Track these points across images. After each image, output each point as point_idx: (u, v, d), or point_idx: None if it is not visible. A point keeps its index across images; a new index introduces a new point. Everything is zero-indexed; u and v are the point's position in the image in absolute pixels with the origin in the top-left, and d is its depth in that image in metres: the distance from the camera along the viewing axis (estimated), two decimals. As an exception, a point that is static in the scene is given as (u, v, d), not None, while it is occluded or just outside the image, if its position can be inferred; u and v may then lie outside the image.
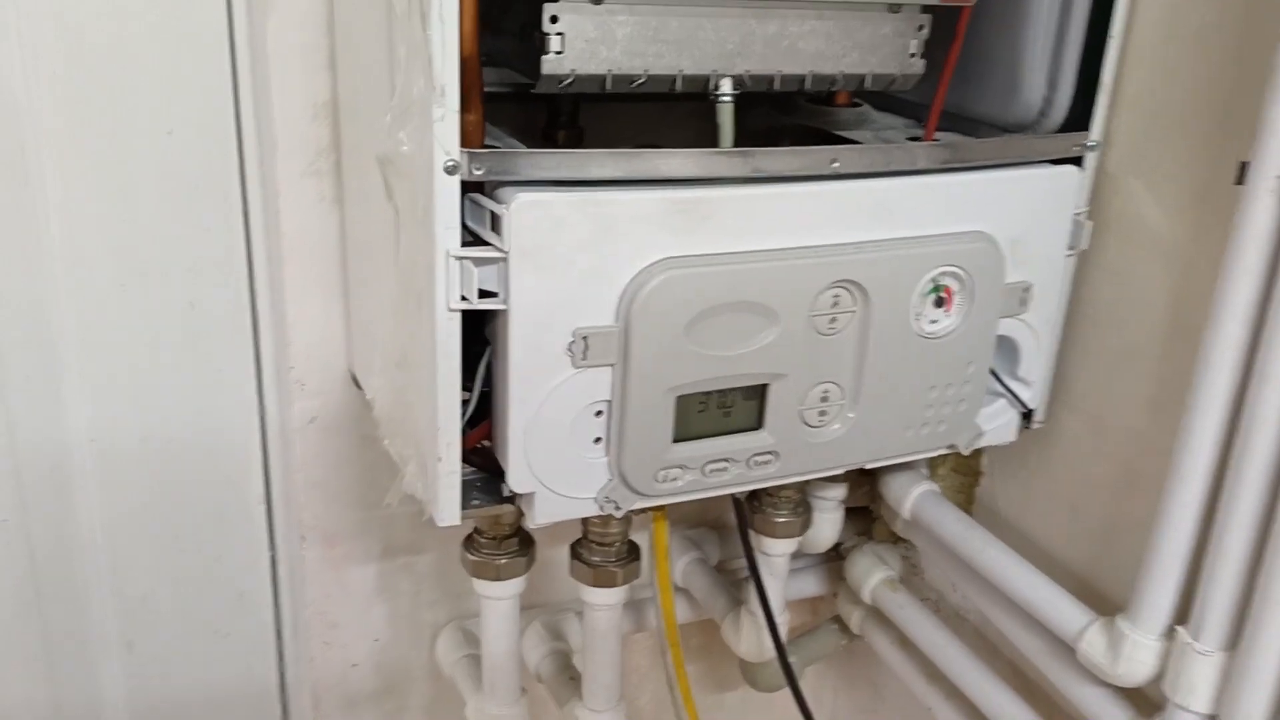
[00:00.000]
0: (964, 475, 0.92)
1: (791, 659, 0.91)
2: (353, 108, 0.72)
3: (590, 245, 0.57)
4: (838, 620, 1.02)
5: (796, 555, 0.99)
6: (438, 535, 0.90)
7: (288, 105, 0.76)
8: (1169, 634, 0.68)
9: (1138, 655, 0.69)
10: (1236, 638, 0.64)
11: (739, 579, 0.97)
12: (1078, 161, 0.71)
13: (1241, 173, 0.60)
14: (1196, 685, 0.66)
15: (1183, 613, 0.67)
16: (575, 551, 0.78)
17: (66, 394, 0.78)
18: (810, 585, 1.02)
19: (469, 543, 0.78)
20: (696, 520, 1.01)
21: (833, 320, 0.64)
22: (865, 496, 1.01)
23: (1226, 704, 0.64)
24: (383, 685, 0.94)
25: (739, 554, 1.01)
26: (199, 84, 0.76)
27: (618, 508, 0.64)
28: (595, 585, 0.78)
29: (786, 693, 1.01)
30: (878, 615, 0.97)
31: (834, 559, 1.02)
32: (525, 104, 0.72)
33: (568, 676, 0.87)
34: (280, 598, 0.91)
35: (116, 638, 0.86)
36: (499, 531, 0.76)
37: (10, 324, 0.75)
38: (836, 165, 0.62)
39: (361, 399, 0.82)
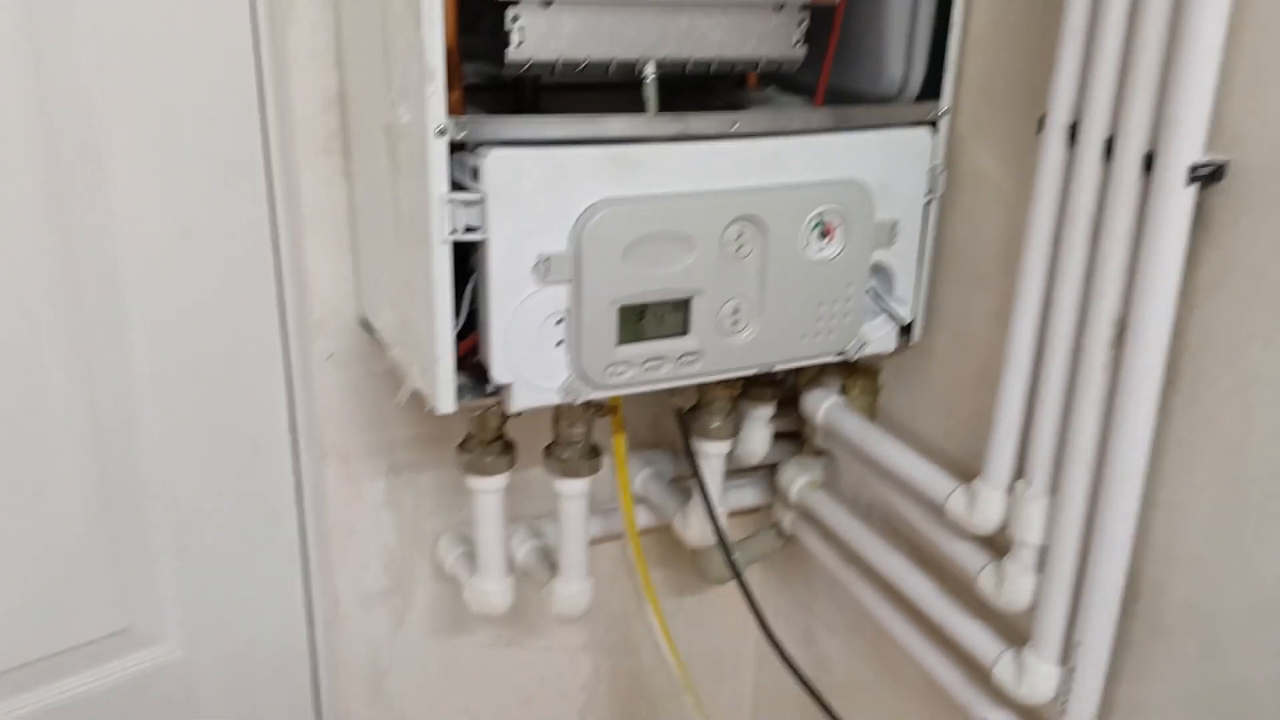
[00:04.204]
0: (870, 395, 1.10)
1: (736, 556, 1.10)
2: (357, 97, 0.91)
3: (547, 189, 0.76)
4: (774, 526, 1.21)
5: (738, 472, 1.19)
6: (434, 456, 1.09)
7: (304, 98, 0.93)
8: (1011, 489, 0.87)
9: (989, 507, 0.87)
10: (1056, 483, 0.83)
11: (687, 488, 1.15)
12: (934, 125, 0.91)
13: (1040, 124, 0.80)
14: (1031, 523, 0.84)
15: (1020, 471, 0.86)
16: (548, 451, 0.97)
17: (131, 336, 0.96)
18: (749, 496, 1.21)
19: (462, 447, 0.96)
20: (653, 443, 1.19)
21: (739, 248, 0.83)
22: (795, 421, 1.20)
23: (1052, 534, 0.83)
24: (392, 584, 1.12)
25: (689, 472, 1.20)
26: (232, 83, 0.94)
27: (577, 396, 0.83)
28: (564, 477, 0.96)
29: (736, 597, 1.20)
30: (805, 515, 1.16)
31: (772, 476, 1.21)
32: (496, 93, 0.91)
33: (547, 564, 1.05)
34: (305, 512, 1.09)
35: (172, 543, 1.04)
36: (485, 436, 0.95)
37: (86, 279, 0.92)
38: (736, 126, 0.81)
39: (369, 340, 1.01)
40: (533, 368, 0.81)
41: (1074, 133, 0.77)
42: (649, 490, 1.15)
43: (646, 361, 0.83)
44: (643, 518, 1.15)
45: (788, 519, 1.18)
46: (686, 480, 1.20)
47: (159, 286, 0.96)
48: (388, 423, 1.06)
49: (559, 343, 0.81)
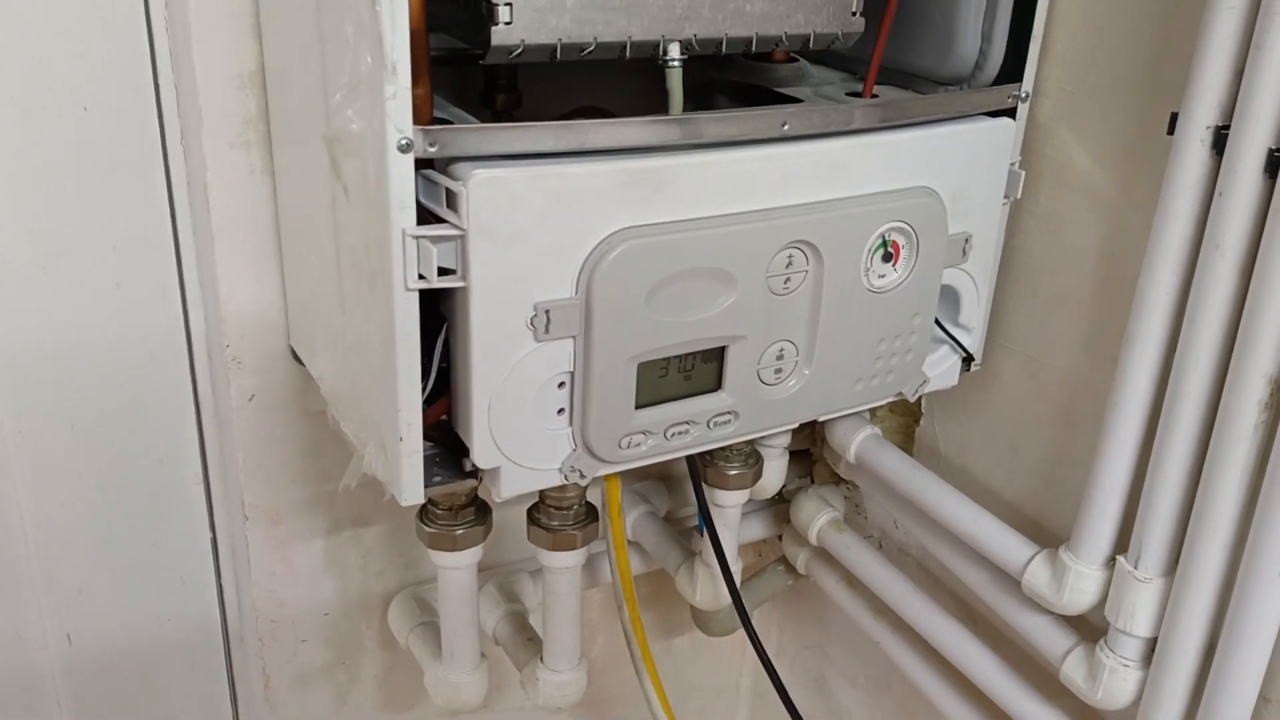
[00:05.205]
0: (902, 416, 0.94)
1: (743, 604, 0.93)
2: (283, 77, 0.70)
3: (548, 219, 0.57)
4: (783, 561, 1.05)
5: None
6: (385, 506, 0.90)
7: (211, 75, 0.72)
8: (1109, 563, 0.71)
9: (1081, 585, 0.72)
10: (1174, 564, 0.67)
11: (688, 528, 0.98)
12: (1010, 113, 0.73)
13: (1172, 123, 0.62)
14: (1137, 611, 0.69)
15: (1121, 543, 0.71)
16: (532, 516, 0.78)
17: (-11, 384, 0.75)
18: (755, 530, 1.04)
19: (424, 514, 0.77)
20: (643, 473, 1.01)
21: (787, 280, 0.65)
22: (806, 440, 1.03)
23: (1167, 627, 0.68)
24: (334, 658, 0.93)
25: (686, 503, 1.03)
26: (115, 56, 0.72)
27: (582, 476, 0.64)
28: (554, 549, 0.78)
29: (733, 634, 1.04)
30: (823, 555, 0.99)
31: (778, 502, 1.04)
32: (460, 67, 0.70)
33: (525, 638, 0.87)
34: (223, 579, 0.90)
35: (54, 631, 0.84)
36: (455, 502, 0.76)
37: (-76, 316, 0.71)
38: (787, 128, 0.62)
39: (303, 374, 0.81)
40: (525, 446, 0.62)
41: (1220, 137, 0.60)
42: (642, 534, 0.97)
43: (670, 427, 0.65)
44: (634, 564, 0.97)
45: (801, 557, 1.02)
46: (682, 513, 1.03)
47: (25, 316, 0.75)
48: (327, 472, 0.86)
49: (559, 410, 0.62)
